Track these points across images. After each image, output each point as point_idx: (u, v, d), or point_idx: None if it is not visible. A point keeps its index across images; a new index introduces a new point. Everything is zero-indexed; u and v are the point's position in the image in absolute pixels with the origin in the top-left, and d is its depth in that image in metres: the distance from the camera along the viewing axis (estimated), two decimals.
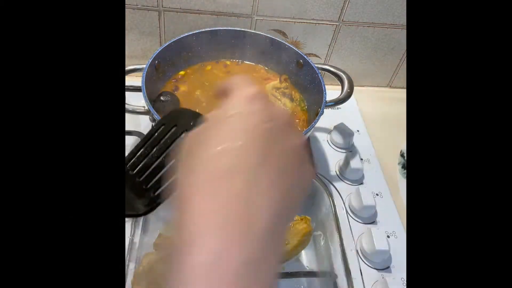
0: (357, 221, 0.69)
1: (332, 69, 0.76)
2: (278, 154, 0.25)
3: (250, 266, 0.22)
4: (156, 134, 0.33)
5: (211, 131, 0.26)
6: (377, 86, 1.01)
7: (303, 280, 0.60)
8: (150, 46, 0.86)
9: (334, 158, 0.80)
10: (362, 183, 0.76)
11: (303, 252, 0.62)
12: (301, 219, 0.58)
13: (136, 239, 0.60)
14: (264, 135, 0.25)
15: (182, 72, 0.76)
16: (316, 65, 0.72)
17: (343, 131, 0.81)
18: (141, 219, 0.62)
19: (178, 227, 0.24)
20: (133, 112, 0.63)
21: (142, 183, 0.33)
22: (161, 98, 0.68)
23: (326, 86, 0.68)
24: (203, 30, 0.74)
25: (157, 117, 0.58)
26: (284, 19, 0.83)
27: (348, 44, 0.90)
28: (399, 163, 0.83)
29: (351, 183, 0.75)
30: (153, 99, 0.65)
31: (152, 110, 0.59)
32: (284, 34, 0.86)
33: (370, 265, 0.64)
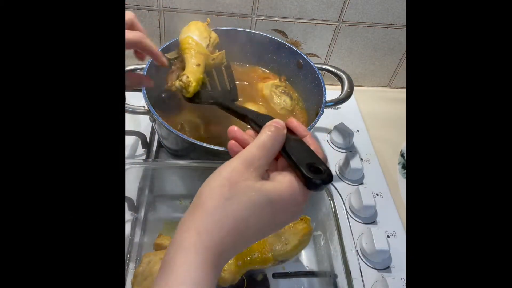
0: (357, 221, 0.69)
1: (332, 69, 0.76)
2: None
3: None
4: None
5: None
6: (377, 86, 1.01)
7: (303, 280, 0.60)
8: None
9: (334, 158, 0.80)
10: (362, 183, 0.76)
11: (303, 252, 0.62)
12: (301, 219, 0.58)
13: (136, 239, 0.60)
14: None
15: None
16: (316, 65, 0.72)
17: (343, 131, 0.81)
18: (141, 219, 0.62)
19: None
20: (133, 112, 0.63)
21: None
22: (162, 95, 0.68)
23: (326, 86, 0.68)
24: None
25: (157, 117, 0.58)
26: (284, 19, 0.83)
27: (348, 44, 0.90)
28: (399, 163, 0.83)
29: (351, 183, 0.75)
30: (154, 98, 0.65)
31: (152, 110, 0.59)
32: (284, 34, 0.86)
33: (370, 265, 0.64)
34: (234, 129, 0.37)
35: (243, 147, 0.35)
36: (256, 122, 0.40)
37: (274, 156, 0.35)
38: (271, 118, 0.38)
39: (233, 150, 0.36)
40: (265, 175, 0.34)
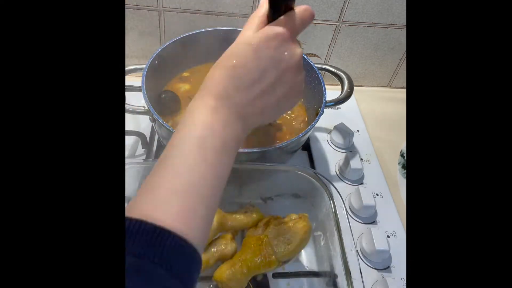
0: (357, 221, 0.69)
1: (332, 69, 0.76)
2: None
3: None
4: None
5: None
6: (377, 86, 1.01)
7: (303, 280, 0.60)
8: (150, 46, 0.86)
9: (334, 158, 0.80)
10: (362, 183, 0.76)
11: (303, 252, 0.62)
12: (300, 218, 0.58)
13: None
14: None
15: (185, 74, 0.76)
16: (316, 65, 0.72)
17: (343, 131, 0.81)
18: None
19: None
20: (133, 112, 0.63)
21: None
22: (162, 96, 0.68)
23: (326, 86, 0.68)
24: (203, 30, 0.74)
25: (157, 117, 0.58)
26: None
27: (348, 44, 0.90)
28: (399, 163, 0.83)
29: (351, 183, 0.75)
30: (154, 98, 0.65)
31: (152, 110, 0.59)
32: None
33: (370, 265, 0.64)
34: None
35: None
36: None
37: (263, 14, 0.38)
38: None
39: None
40: None
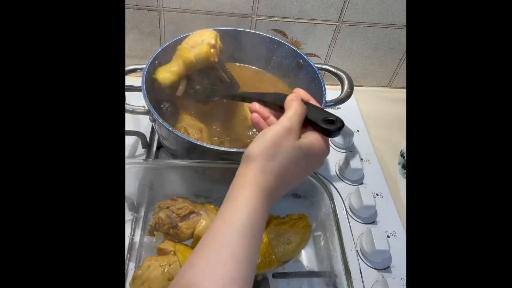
0: (357, 221, 0.69)
1: (332, 69, 0.76)
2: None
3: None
4: None
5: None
6: (377, 86, 1.01)
7: (303, 280, 0.60)
8: (150, 46, 0.86)
9: (334, 158, 0.80)
10: (362, 183, 0.76)
11: (303, 252, 0.62)
12: (300, 218, 0.58)
13: (136, 239, 0.60)
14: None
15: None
16: (316, 65, 0.72)
17: (343, 131, 0.81)
18: (141, 219, 0.62)
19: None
20: (133, 112, 0.63)
21: None
22: (161, 106, 0.68)
23: (326, 86, 0.68)
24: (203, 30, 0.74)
25: (157, 117, 0.58)
26: (284, 19, 0.83)
27: (348, 44, 0.90)
28: (399, 163, 0.83)
29: (351, 183, 0.75)
30: (154, 98, 0.65)
31: (152, 110, 0.59)
32: (284, 34, 0.86)
33: (370, 265, 0.64)
34: (256, 105, 0.48)
35: (264, 118, 0.47)
36: (276, 102, 0.47)
37: (303, 120, 0.44)
38: (285, 95, 0.47)
39: (256, 121, 0.47)
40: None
